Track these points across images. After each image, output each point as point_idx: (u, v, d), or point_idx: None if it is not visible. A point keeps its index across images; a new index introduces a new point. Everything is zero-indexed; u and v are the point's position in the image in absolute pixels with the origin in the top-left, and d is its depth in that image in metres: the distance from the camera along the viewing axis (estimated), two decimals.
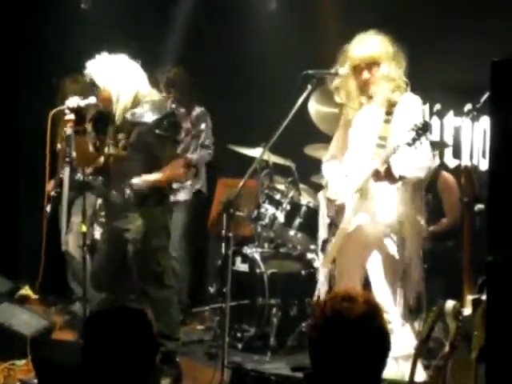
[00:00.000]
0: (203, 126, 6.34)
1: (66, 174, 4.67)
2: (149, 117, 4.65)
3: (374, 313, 2.35)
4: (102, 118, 4.80)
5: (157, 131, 4.65)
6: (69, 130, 4.62)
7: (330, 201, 4.59)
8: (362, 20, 5.95)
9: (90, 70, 4.64)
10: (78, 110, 4.61)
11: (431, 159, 4.53)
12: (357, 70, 4.47)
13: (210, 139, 6.36)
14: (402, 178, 4.28)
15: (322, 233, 4.70)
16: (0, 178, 6.96)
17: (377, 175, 4.25)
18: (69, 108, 4.59)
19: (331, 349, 2.32)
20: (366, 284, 4.56)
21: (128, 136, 4.70)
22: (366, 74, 4.45)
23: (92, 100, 4.67)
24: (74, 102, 4.62)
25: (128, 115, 4.67)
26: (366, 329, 2.32)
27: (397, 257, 4.45)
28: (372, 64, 4.43)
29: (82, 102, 4.63)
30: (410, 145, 4.13)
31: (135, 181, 4.63)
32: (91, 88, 4.68)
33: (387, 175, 4.23)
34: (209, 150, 6.35)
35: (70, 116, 4.61)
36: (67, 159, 4.64)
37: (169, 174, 4.75)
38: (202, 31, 6.95)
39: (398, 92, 4.47)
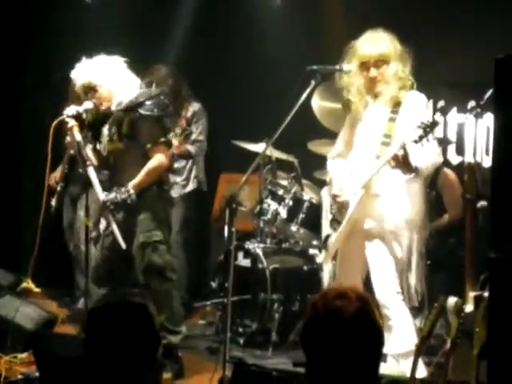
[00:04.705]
0: (199, 123, 6.30)
1: (91, 175, 4.69)
2: (134, 101, 4.69)
3: (366, 309, 2.34)
4: (97, 122, 4.84)
5: (142, 112, 4.67)
6: (77, 136, 4.68)
7: (333, 197, 4.59)
8: (365, 16, 5.96)
9: (81, 76, 4.71)
10: (77, 117, 4.68)
11: (439, 155, 4.53)
12: (364, 67, 4.47)
13: (203, 135, 6.32)
14: (416, 168, 4.28)
15: (326, 230, 4.70)
16: (3, 172, 6.97)
17: (395, 160, 4.23)
18: (69, 116, 4.66)
19: (326, 347, 2.31)
20: (367, 281, 4.57)
21: (119, 127, 4.73)
22: (373, 72, 4.45)
23: (89, 105, 4.74)
24: (72, 109, 4.70)
25: (115, 107, 4.71)
26: (360, 325, 2.31)
27: (399, 254, 4.46)
28: (380, 62, 4.43)
29: (81, 108, 4.71)
30: (416, 142, 4.13)
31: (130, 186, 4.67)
32: (87, 91, 4.71)
33: (405, 161, 4.22)
34: (201, 145, 6.32)
35: (73, 122, 4.67)
36: (88, 162, 4.68)
37: (148, 172, 4.71)
38: (205, 27, 6.93)
39: (404, 90, 4.47)
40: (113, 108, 4.73)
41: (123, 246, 4.63)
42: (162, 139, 4.77)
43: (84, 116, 4.74)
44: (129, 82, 4.76)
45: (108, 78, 4.68)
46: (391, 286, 4.45)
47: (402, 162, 4.22)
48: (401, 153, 4.18)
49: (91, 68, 4.69)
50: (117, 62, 4.76)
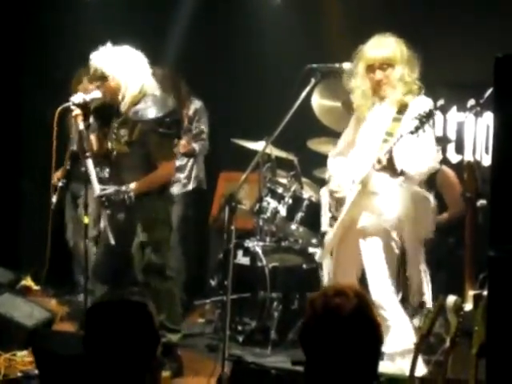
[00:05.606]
0: (201, 122, 6.32)
1: (89, 167, 4.65)
2: (152, 114, 4.61)
3: (364, 306, 2.34)
4: (105, 111, 4.77)
5: (160, 129, 4.63)
6: (81, 125, 4.62)
7: (331, 193, 4.60)
8: (364, 16, 5.98)
9: (97, 61, 4.60)
10: (83, 106, 4.61)
11: (435, 160, 4.52)
12: (370, 69, 4.48)
13: (205, 132, 6.35)
14: (403, 172, 4.29)
15: (324, 227, 4.71)
16: (3, 169, 6.97)
17: (379, 163, 4.24)
18: (74, 104, 4.59)
19: (324, 345, 2.31)
20: (363, 280, 4.57)
21: (130, 132, 4.68)
22: (379, 74, 4.46)
23: (97, 94, 4.65)
24: (79, 97, 4.61)
25: (131, 112, 4.65)
26: (358, 323, 2.31)
27: (396, 253, 4.46)
28: (386, 65, 4.45)
29: (88, 97, 4.63)
30: (412, 133, 4.15)
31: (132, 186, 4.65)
32: (96, 80, 4.66)
33: (389, 165, 4.22)
34: (205, 144, 6.35)
35: (77, 111, 4.60)
36: (87, 154, 4.64)
37: (152, 180, 4.71)
38: (205, 27, 6.93)
39: (411, 95, 4.47)
40: (122, 106, 4.66)
41: (112, 241, 4.62)
42: (171, 152, 4.79)
43: (90, 106, 4.66)
44: (144, 80, 4.67)
45: (120, 71, 4.58)
46: (386, 286, 4.45)
47: (386, 167, 4.23)
48: (385, 157, 4.19)
49: (109, 56, 4.59)
50: (137, 56, 4.67)
